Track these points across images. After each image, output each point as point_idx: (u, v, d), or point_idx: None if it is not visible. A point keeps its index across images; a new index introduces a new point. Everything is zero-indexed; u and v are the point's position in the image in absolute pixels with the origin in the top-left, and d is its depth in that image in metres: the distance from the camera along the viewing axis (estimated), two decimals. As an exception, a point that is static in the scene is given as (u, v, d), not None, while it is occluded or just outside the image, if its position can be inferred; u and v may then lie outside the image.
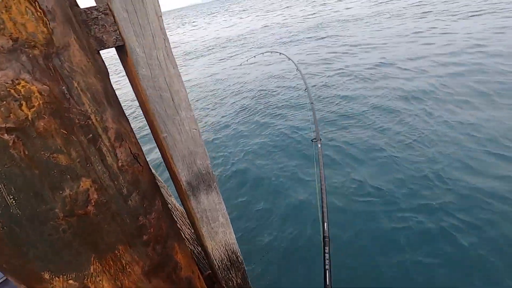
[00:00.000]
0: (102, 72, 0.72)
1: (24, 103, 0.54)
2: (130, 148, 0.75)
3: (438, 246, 2.32)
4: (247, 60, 9.36)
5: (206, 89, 7.98)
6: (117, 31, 0.74)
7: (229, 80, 8.43)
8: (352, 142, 3.99)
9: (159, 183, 1.94)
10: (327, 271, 1.20)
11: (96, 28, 0.71)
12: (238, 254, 1.21)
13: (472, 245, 2.27)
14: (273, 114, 5.45)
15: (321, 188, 1.73)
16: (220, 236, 1.13)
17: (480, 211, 2.54)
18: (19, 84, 0.53)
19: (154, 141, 1.03)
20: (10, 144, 0.54)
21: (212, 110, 6.48)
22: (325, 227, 1.44)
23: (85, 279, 0.69)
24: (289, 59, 5.24)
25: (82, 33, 0.66)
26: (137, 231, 0.76)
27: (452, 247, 2.28)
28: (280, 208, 3.10)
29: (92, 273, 0.70)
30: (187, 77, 9.62)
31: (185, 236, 1.61)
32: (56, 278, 0.66)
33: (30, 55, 0.54)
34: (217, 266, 1.17)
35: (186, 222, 1.73)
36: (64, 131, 0.60)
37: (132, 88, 0.91)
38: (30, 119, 0.55)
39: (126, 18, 0.73)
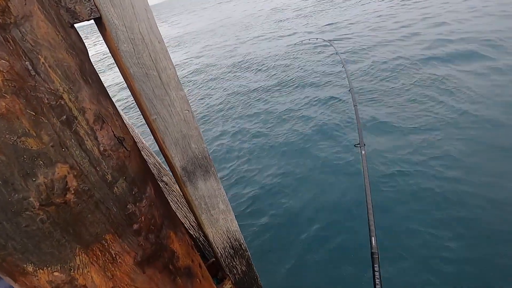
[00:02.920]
0: (77, 48, 0.65)
1: (-19, 81, 0.48)
2: (113, 132, 0.69)
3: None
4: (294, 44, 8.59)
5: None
6: (92, 1, 0.66)
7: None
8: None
9: (162, 170, 1.91)
10: None
11: (66, -3, 0.64)
12: (241, 241, 1.16)
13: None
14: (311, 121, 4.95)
15: (367, 200, 1.60)
16: (221, 223, 1.07)
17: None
18: (-28, 59, 0.47)
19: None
20: (-31, 127, 0.49)
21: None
22: (373, 242, 1.32)
23: (72, 271, 0.65)
24: (331, 45, 4.65)
25: (48, 2, 0.59)
26: (125, 220, 0.71)
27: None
28: (322, 215, 2.94)
29: (78, 264, 0.66)
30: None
31: (190, 224, 1.58)
32: (40, 270, 0.62)
33: (-16, 25, 0.48)
34: (219, 254, 1.13)
35: (191, 209, 1.69)
36: (31, 112, 0.54)
37: (117, 67, 0.84)
38: (-10, 99, 0.50)
39: (100, -15, 0.66)
